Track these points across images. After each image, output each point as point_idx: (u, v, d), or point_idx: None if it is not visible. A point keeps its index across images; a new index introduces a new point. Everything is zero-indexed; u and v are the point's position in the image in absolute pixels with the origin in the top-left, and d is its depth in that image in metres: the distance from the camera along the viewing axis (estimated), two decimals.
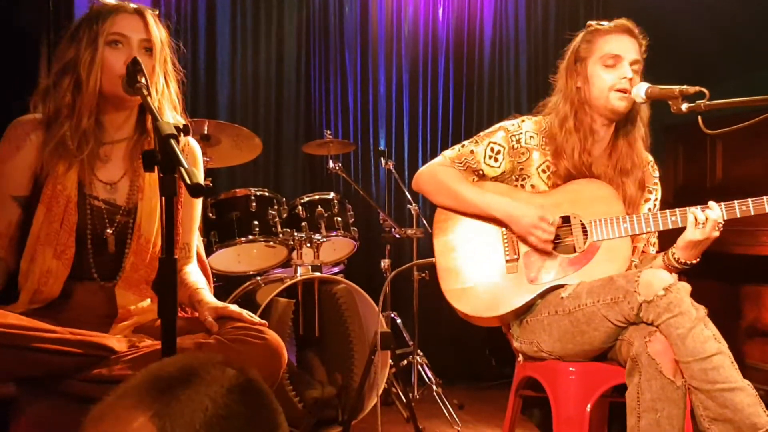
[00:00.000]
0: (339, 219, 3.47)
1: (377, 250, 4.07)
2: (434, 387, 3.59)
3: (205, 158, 3.27)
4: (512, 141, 2.21)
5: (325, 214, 3.43)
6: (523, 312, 2.13)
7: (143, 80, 1.57)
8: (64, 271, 1.73)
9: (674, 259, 2.07)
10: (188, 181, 1.23)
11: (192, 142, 1.95)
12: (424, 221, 3.91)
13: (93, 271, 1.78)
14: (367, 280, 3.89)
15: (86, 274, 1.78)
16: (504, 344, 2.34)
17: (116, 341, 1.66)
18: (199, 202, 2.00)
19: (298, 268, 3.27)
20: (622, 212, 2.11)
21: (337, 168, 3.69)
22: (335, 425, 3.16)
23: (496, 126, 2.26)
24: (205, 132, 3.29)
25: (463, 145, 2.25)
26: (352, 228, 3.54)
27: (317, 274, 3.26)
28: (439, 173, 2.23)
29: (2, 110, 1.84)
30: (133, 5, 1.80)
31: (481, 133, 2.26)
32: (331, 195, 3.53)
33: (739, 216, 2.02)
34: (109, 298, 1.78)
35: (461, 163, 2.22)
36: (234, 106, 4.35)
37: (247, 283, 3.39)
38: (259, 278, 3.40)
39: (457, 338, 4.35)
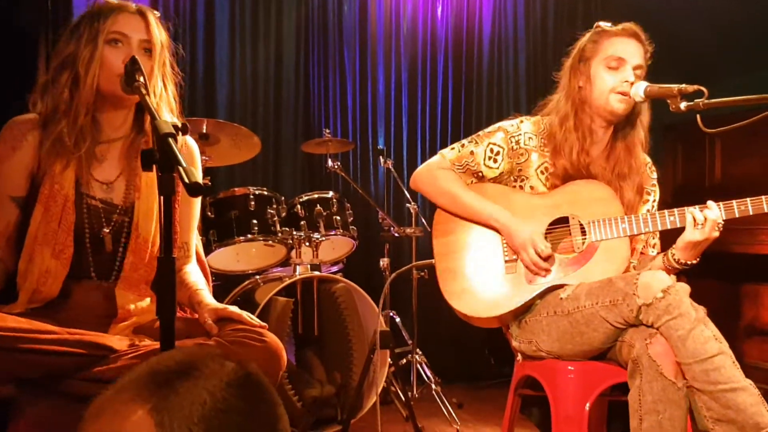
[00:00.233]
0: (338, 218, 3.47)
1: (376, 249, 4.07)
2: (433, 386, 3.59)
3: (203, 157, 3.28)
4: (511, 142, 2.21)
5: (324, 213, 3.42)
6: (522, 312, 2.13)
7: (141, 79, 1.57)
8: (63, 270, 1.73)
9: (674, 259, 2.07)
10: (186, 180, 1.23)
11: (189, 141, 1.95)
12: (423, 220, 3.91)
13: (92, 270, 1.78)
14: (366, 279, 3.89)
15: (85, 274, 1.77)
16: (503, 343, 2.34)
17: (115, 340, 1.65)
18: (197, 201, 2.00)
19: (297, 267, 3.27)
20: (621, 213, 2.11)
21: (336, 167, 3.69)
22: (334, 424, 3.16)
23: (495, 126, 2.26)
24: (204, 131, 3.28)
25: (462, 145, 2.25)
26: (351, 227, 3.53)
27: (316, 273, 3.27)
28: (438, 177, 2.23)
29: (2, 110, 1.83)
30: (134, 5, 1.80)
31: (480, 133, 2.26)
32: (330, 194, 3.53)
33: (737, 216, 2.02)
34: (108, 297, 1.78)
35: (461, 165, 2.22)
36: (233, 105, 4.34)
37: (246, 282, 3.39)
38: (258, 277, 3.40)
39: (456, 337, 4.36)
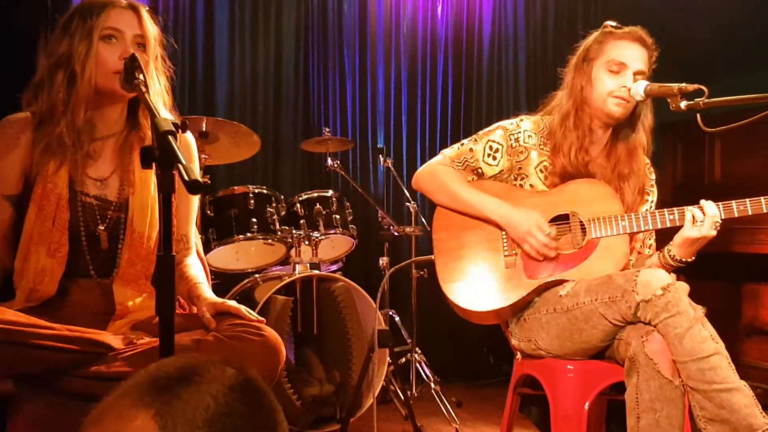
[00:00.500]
0: (337, 217, 3.47)
1: (376, 248, 4.07)
2: (432, 385, 3.59)
3: (203, 155, 3.28)
4: (510, 140, 2.21)
5: (324, 212, 3.42)
6: (521, 309, 2.13)
7: (141, 77, 1.56)
8: (59, 269, 1.72)
9: (670, 256, 2.07)
10: (186, 178, 1.23)
11: (187, 135, 1.94)
12: (423, 219, 3.91)
13: (90, 268, 1.77)
14: (365, 278, 3.89)
15: (82, 272, 1.77)
16: (502, 342, 2.34)
17: (114, 338, 1.65)
18: None
19: (297, 265, 3.27)
20: (621, 211, 2.11)
21: (336, 165, 3.69)
22: (333, 423, 3.16)
23: (495, 125, 2.28)
24: (204, 129, 3.28)
25: (462, 144, 2.26)
26: (350, 226, 3.53)
27: (315, 271, 3.26)
28: (438, 172, 2.24)
29: (2, 109, 1.83)
30: (124, 0, 1.79)
31: (480, 132, 2.28)
32: (330, 193, 3.53)
33: (736, 215, 2.02)
34: (106, 294, 1.78)
35: (460, 162, 2.23)
36: (232, 103, 4.35)
37: (246, 281, 3.39)
38: (257, 276, 3.40)
39: (455, 336, 4.36)
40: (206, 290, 1.83)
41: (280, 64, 4.45)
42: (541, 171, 2.21)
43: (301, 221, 3.38)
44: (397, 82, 4.65)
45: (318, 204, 3.44)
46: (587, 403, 1.97)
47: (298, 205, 3.43)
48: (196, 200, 2.00)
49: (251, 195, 3.32)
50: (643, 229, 2.10)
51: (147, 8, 1.81)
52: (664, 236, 2.17)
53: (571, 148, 2.16)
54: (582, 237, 2.13)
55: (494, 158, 2.22)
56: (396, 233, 3.77)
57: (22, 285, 1.72)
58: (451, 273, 2.18)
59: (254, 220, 3.29)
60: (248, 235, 3.28)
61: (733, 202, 2.01)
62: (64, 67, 1.73)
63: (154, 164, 1.30)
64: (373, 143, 4.60)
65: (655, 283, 1.85)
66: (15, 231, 1.74)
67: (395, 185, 4.20)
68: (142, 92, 1.53)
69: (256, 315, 1.74)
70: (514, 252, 2.15)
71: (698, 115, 1.97)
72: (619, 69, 2.12)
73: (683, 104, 1.99)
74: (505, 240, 2.17)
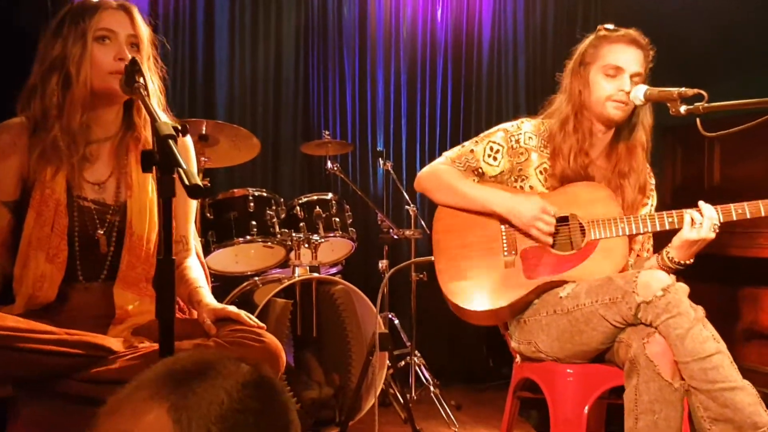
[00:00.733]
0: (337, 219, 3.47)
1: (375, 251, 4.07)
2: (432, 388, 3.59)
3: (203, 158, 3.28)
4: (511, 141, 2.23)
5: (323, 215, 3.42)
6: (520, 310, 2.13)
7: (141, 80, 1.56)
8: (58, 274, 1.72)
9: (668, 258, 2.08)
10: (186, 182, 1.23)
11: (185, 138, 1.94)
12: (422, 222, 3.91)
13: (89, 272, 1.77)
14: (364, 281, 3.89)
15: (82, 276, 1.77)
16: (502, 345, 2.34)
17: (114, 341, 1.65)
18: None
19: (296, 268, 3.26)
20: (620, 214, 2.12)
21: (335, 168, 3.69)
22: (332, 426, 3.16)
23: (497, 127, 2.30)
24: (203, 132, 3.28)
25: (463, 146, 2.29)
26: (350, 229, 3.53)
27: (315, 274, 3.26)
28: (440, 172, 2.25)
29: (2, 110, 1.83)
30: (115, 1, 1.79)
31: (482, 134, 2.30)
32: (329, 195, 3.53)
33: (735, 219, 2.03)
34: (106, 298, 1.77)
35: (461, 162, 2.25)
36: (232, 106, 4.34)
37: (245, 284, 3.39)
38: (256, 278, 3.40)
39: (454, 339, 4.36)
40: (207, 295, 1.83)
41: (280, 66, 4.45)
42: (541, 173, 2.22)
43: (301, 224, 3.38)
44: (396, 86, 4.65)
45: (317, 207, 3.44)
46: (587, 407, 1.97)
47: (298, 208, 3.43)
48: (194, 201, 1.99)
49: (251, 198, 3.32)
50: (642, 232, 2.11)
51: (136, 8, 1.81)
52: (662, 239, 2.17)
53: (571, 152, 2.17)
54: (581, 238, 2.14)
55: (495, 159, 2.23)
56: (395, 236, 3.77)
57: (21, 291, 1.71)
58: (450, 273, 2.19)
59: (254, 222, 3.29)
60: (248, 237, 3.28)
61: (732, 205, 2.02)
62: (58, 71, 1.72)
63: (154, 168, 1.30)
64: (372, 146, 4.60)
65: (655, 284, 1.85)
66: (14, 237, 1.74)
67: (395, 188, 4.20)
68: (143, 96, 1.53)
69: (257, 321, 1.74)
70: (513, 253, 2.16)
71: (698, 120, 1.98)
72: (615, 73, 2.12)
73: (683, 109, 2.00)
74: (504, 240, 2.18)
